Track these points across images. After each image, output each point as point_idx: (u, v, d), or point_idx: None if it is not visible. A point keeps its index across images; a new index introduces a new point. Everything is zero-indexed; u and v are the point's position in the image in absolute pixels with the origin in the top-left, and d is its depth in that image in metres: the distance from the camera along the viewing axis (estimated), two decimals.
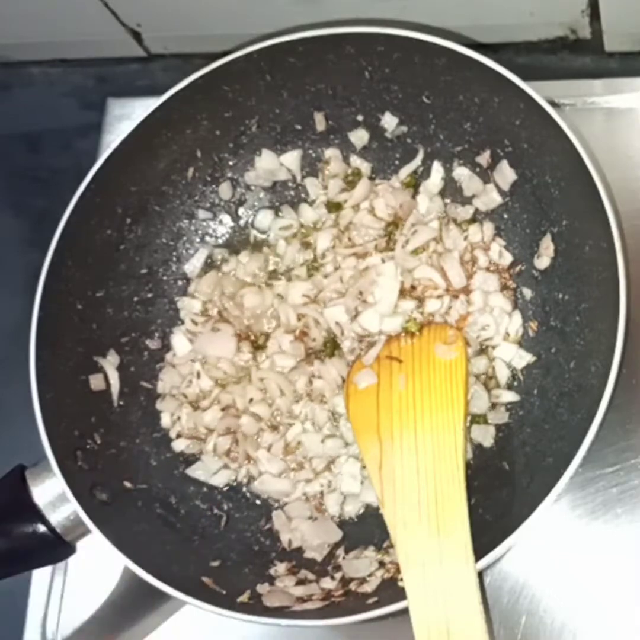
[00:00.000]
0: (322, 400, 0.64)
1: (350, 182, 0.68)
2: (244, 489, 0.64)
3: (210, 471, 0.64)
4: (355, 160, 0.68)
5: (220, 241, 0.69)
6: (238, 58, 0.63)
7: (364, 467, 0.62)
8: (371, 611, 0.54)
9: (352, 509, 0.63)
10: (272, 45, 0.63)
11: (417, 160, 0.67)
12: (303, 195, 0.69)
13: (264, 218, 0.69)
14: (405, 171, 0.67)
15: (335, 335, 0.65)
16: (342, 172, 0.68)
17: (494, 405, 0.63)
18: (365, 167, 0.68)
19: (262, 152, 0.68)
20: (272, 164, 0.68)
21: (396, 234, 0.66)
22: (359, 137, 0.68)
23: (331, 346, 0.65)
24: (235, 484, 0.64)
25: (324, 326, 0.65)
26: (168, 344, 0.67)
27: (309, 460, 0.64)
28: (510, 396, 0.63)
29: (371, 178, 0.68)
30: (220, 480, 0.64)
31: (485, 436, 0.62)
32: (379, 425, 0.61)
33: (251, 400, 0.64)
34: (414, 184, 0.67)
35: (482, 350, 0.64)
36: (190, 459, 0.65)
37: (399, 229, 0.66)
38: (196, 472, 0.64)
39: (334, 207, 0.67)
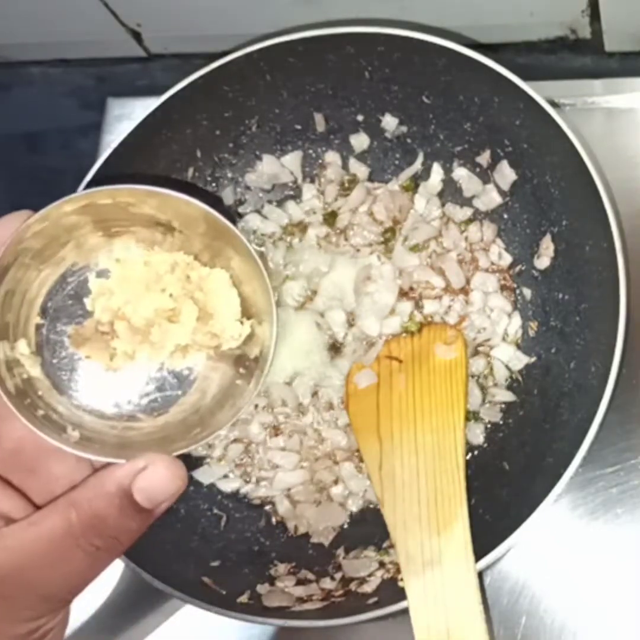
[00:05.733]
0: (331, 408, 0.64)
1: (347, 188, 0.68)
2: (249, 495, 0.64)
3: (216, 476, 0.64)
4: (354, 165, 0.68)
5: None
6: (238, 58, 0.63)
7: (361, 461, 0.63)
8: (371, 611, 0.54)
9: (353, 503, 0.63)
10: (272, 45, 0.63)
11: (417, 164, 0.67)
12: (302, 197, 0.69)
13: (252, 221, 0.68)
14: (405, 175, 0.67)
15: (336, 339, 0.65)
16: (339, 177, 0.68)
17: (488, 404, 0.63)
18: (363, 171, 0.68)
19: (263, 157, 0.68)
20: (274, 168, 0.68)
21: (395, 237, 0.66)
22: (360, 141, 0.67)
23: (333, 349, 0.65)
24: (241, 490, 0.64)
25: (324, 327, 0.65)
26: None
27: (334, 452, 0.64)
28: (506, 396, 0.63)
29: (370, 180, 0.68)
30: (226, 486, 0.64)
31: (474, 433, 0.62)
32: (379, 425, 0.61)
33: (256, 406, 0.65)
34: (413, 187, 0.67)
35: (480, 351, 0.64)
36: (190, 460, 0.65)
37: (397, 231, 0.66)
38: (202, 476, 0.64)
39: (329, 215, 0.67)
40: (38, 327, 0.47)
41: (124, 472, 0.42)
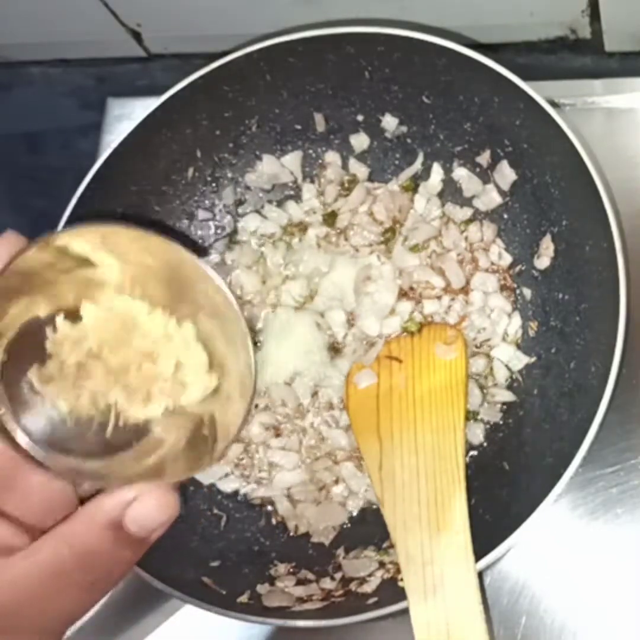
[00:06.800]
0: (331, 408, 0.64)
1: (347, 188, 0.68)
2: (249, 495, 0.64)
3: (216, 476, 0.64)
4: (354, 165, 0.68)
5: (219, 238, 0.69)
6: (238, 58, 0.63)
7: (361, 461, 0.62)
8: (371, 611, 0.54)
9: (353, 502, 0.63)
10: (272, 45, 0.63)
11: (417, 164, 0.67)
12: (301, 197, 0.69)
13: (252, 221, 0.68)
14: (405, 175, 0.67)
15: (336, 339, 0.65)
16: (339, 177, 0.68)
17: (488, 404, 0.63)
18: (362, 171, 0.68)
19: (263, 157, 0.68)
20: (274, 168, 0.68)
21: (395, 237, 0.66)
22: (360, 141, 0.68)
23: (333, 349, 0.65)
24: (241, 490, 0.64)
25: (324, 327, 0.65)
26: None
27: (334, 451, 0.64)
28: (506, 396, 0.63)
29: (370, 180, 0.68)
30: (226, 486, 0.64)
31: (474, 433, 0.62)
32: (379, 425, 0.61)
33: (257, 406, 0.65)
34: (413, 187, 0.67)
35: (480, 351, 0.64)
36: None
37: (397, 231, 0.66)
38: (202, 476, 0.64)
39: (329, 215, 0.67)
40: (3, 365, 0.47)
41: (114, 504, 0.41)
